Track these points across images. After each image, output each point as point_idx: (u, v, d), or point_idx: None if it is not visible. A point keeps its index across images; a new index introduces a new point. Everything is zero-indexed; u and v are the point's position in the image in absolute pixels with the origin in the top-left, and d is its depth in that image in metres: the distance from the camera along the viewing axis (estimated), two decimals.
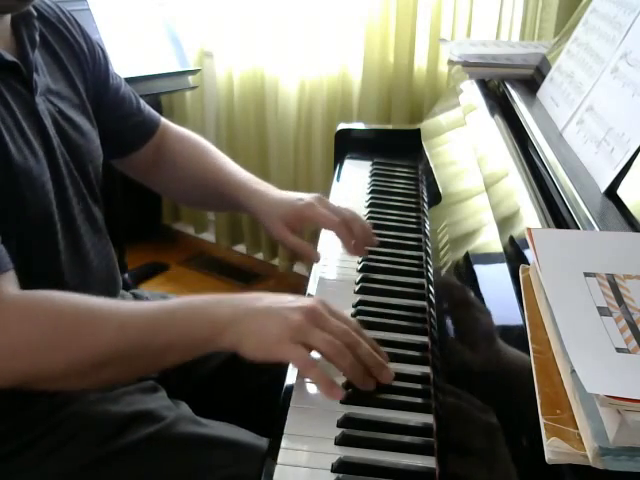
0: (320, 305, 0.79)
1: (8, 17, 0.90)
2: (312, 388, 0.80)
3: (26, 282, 0.79)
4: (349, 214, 1.05)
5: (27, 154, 0.85)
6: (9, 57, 0.87)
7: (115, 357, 0.77)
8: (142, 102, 1.15)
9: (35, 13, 0.94)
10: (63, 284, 0.88)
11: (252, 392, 1.01)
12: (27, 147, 0.86)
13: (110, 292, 0.99)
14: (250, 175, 1.13)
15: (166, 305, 0.81)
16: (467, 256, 0.85)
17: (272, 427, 0.74)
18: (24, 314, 0.76)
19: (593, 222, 0.69)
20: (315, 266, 1.05)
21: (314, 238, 1.15)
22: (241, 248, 2.75)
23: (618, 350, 0.46)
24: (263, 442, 0.81)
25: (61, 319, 0.77)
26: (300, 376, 0.79)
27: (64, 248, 0.90)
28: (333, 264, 1.07)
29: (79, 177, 0.95)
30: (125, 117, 1.10)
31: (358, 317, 0.93)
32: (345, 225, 1.02)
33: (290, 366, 0.83)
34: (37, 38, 0.93)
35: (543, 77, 1.15)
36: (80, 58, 1.02)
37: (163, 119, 1.18)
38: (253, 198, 1.08)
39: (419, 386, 0.80)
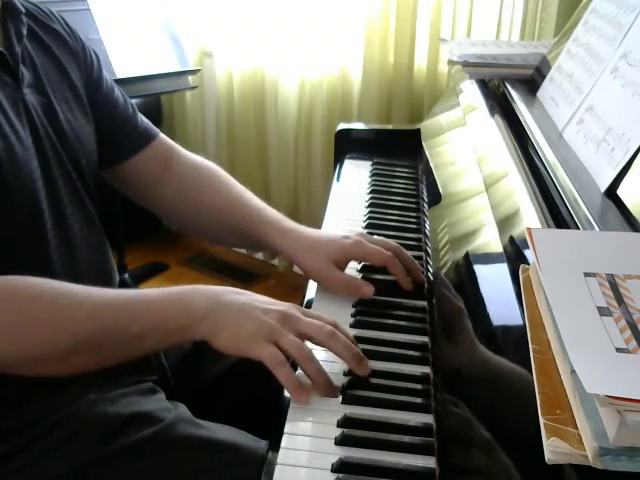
0: (293, 309, 0.81)
1: None
2: (313, 387, 0.80)
3: (10, 268, 0.80)
4: (395, 247, 1.01)
5: (13, 141, 0.86)
6: None
7: (90, 342, 0.79)
8: (139, 113, 1.13)
9: (23, 10, 0.95)
10: (51, 275, 0.88)
11: (251, 394, 1.01)
12: (13, 134, 0.86)
13: (103, 286, 0.99)
14: (277, 212, 1.08)
15: (142, 293, 0.83)
16: (467, 256, 0.85)
17: (272, 426, 0.75)
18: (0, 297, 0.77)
19: (593, 222, 0.69)
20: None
21: None
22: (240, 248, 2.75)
23: (618, 350, 0.46)
24: (262, 444, 0.81)
25: (36, 302, 0.78)
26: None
27: (53, 239, 0.90)
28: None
29: (71, 169, 0.95)
30: (118, 121, 1.08)
31: (358, 317, 0.93)
32: (397, 259, 0.99)
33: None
34: (24, 32, 0.94)
35: (543, 77, 1.15)
36: (74, 54, 1.02)
37: (171, 141, 1.14)
38: (287, 237, 1.02)
39: (419, 386, 0.80)
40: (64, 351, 0.79)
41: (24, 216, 0.87)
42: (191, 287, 0.84)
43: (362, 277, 1.01)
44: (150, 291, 0.83)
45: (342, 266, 0.99)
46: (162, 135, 1.14)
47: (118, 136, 1.08)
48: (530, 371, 0.51)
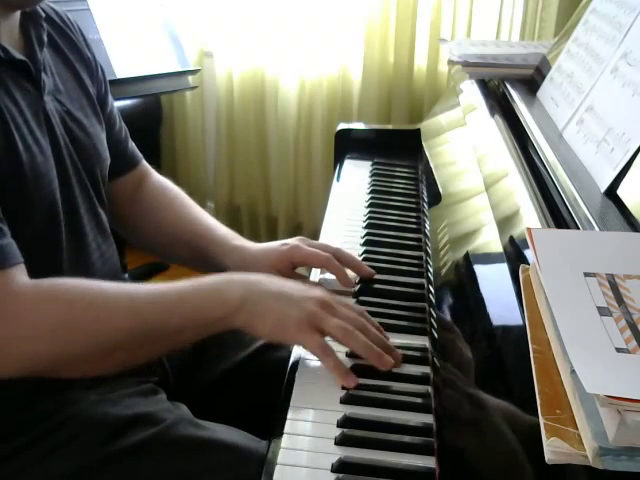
0: (328, 295, 0.84)
1: (17, 16, 0.90)
2: (312, 388, 0.80)
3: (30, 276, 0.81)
4: (334, 248, 1.02)
5: (35, 151, 0.86)
6: (18, 55, 0.87)
7: (131, 339, 0.80)
8: (129, 137, 1.13)
9: (43, 14, 0.94)
10: None
11: (251, 395, 1.01)
12: (35, 144, 0.86)
13: None
14: (228, 230, 1.09)
15: (177, 287, 0.84)
16: (467, 256, 0.85)
17: (272, 425, 0.75)
18: (38, 301, 0.78)
19: (593, 222, 0.69)
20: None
21: None
22: None
23: (618, 350, 0.46)
24: (262, 444, 0.81)
25: (75, 304, 0.80)
26: (320, 361, 0.82)
27: (67, 247, 0.91)
28: (328, 275, 1.06)
29: (86, 177, 0.95)
30: (111, 142, 1.06)
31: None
32: (335, 259, 1.00)
33: (290, 366, 0.83)
34: (45, 38, 0.93)
35: (543, 77, 1.15)
36: (87, 62, 1.03)
37: (147, 164, 1.16)
38: (233, 254, 1.04)
39: (419, 386, 0.80)
40: (106, 349, 0.80)
41: (42, 225, 0.87)
42: (224, 276, 0.86)
43: (360, 282, 1.01)
44: (184, 284, 0.84)
45: (286, 272, 1.00)
46: (143, 160, 1.16)
47: (111, 155, 1.05)
48: (530, 371, 0.51)
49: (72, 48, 1.01)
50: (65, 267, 0.90)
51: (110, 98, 1.09)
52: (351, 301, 0.95)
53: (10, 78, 0.86)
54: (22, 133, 0.85)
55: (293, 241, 1.03)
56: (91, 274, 0.94)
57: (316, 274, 1.04)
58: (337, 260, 1.00)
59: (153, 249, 1.20)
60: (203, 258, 1.08)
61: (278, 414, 0.76)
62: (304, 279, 1.00)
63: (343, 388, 0.79)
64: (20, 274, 0.79)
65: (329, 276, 1.02)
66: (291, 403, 0.77)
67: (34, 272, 0.84)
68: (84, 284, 0.83)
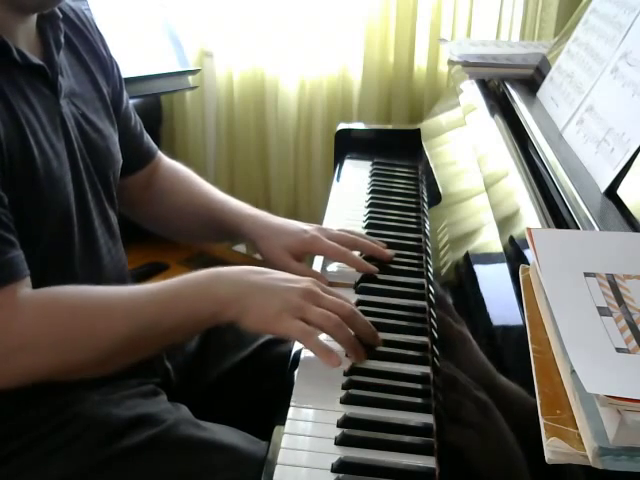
0: (315, 285, 0.84)
1: (34, 18, 0.90)
2: (312, 388, 0.80)
3: (40, 282, 0.82)
4: (353, 237, 1.05)
5: (50, 156, 0.86)
6: (35, 60, 0.87)
7: (128, 342, 0.82)
8: (144, 131, 1.15)
9: (60, 15, 0.94)
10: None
11: (252, 396, 1.01)
12: (50, 149, 0.86)
13: None
14: (241, 202, 1.12)
15: (168, 287, 0.85)
16: (467, 256, 0.85)
17: (272, 425, 0.75)
18: (40, 313, 0.80)
19: (593, 222, 0.69)
20: (314, 266, 1.05)
21: None
22: (241, 248, 2.74)
23: (618, 350, 0.46)
24: (262, 445, 0.81)
25: (77, 314, 0.82)
26: (303, 347, 0.85)
27: (79, 250, 0.91)
28: (332, 264, 1.06)
29: (98, 181, 0.96)
30: (127, 138, 1.08)
31: None
32: (352, 252, 1.03)
33: (290, 365, 0.83)
34: (62, 40, 0.93)
35: (543, 77, 1.15)
36: (102, 62, 1.02)
37: (159, 152, 1.18)
38: (250, 222, 1.07)
39: (419, 386, 0.80)
40: (105, 354, 0.82)
41: (56, 229, 0.87)
42: (212, 273, 0.86)
43: (362, 277, 1.01)
44: (176, 283, 0.85)
45: (299, 257, 1.03)
46: (159, 151, 1.18)
47: (127, 150, 1.07)
48: (530, 371, 0.51)
49: (88, 47, 1.00)
50: (77, 270, 0.91)
51: (125, 95, 1.09)
52: (350, 293, 0.96)
53: (27, 83, 0.86)
54: (38, 138, 0.85)
55: (313, 230, 1.04)
56: (102, 277, 0.95)
57: (318, 262, 1.06)
58: (358, 248, 1.03)
59: (170, 231, 1.24)
60: (220, 231, 1.12)
61: (281, 404, 0.77)
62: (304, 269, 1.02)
63: (344, 388, 0.79)
64: (23, 287, 0.80)
65: (332, 268, 1.04)
66: (291, 403, 0.77)
67: (48, 276, 0.84)
68: (81, 293, 0.84)
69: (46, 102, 0.88)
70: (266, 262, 1.05)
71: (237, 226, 1.08)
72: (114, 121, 1.02)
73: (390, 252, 1.05)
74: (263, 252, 1.06)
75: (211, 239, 1.19)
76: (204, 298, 0.83)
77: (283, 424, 0.74)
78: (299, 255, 1.03)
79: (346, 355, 0.83)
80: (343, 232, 1.06)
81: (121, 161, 1.02)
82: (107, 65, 1.03)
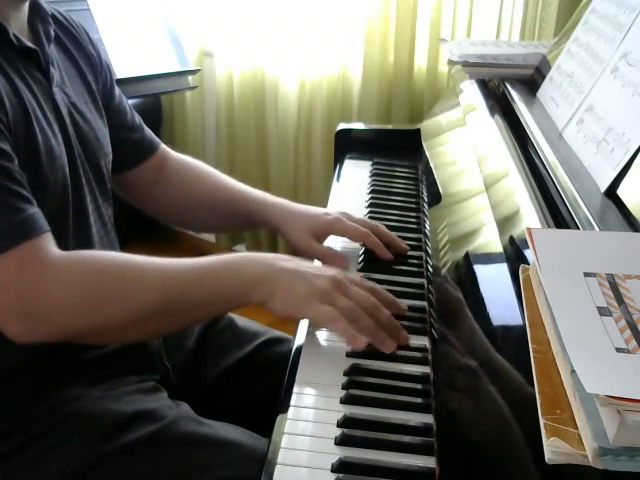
0: (342, 275, 0.86)
1: (26, 9, 0.92)
2: (313, 387, 0.80)
3: None
4: (374, 224, 1.08)
5: (49, 134, 0.88)
6: (29, 44, 0.89)
7: (156, 311, 0.82)
8: (144, 125, 1.16)
9: (50, 12, 0.97)
10: None
11: (253, 393, 1.02)
12: (48, 127, 0.88)
13: None
14: (260, 191, 1.15)
15: (198, 263, 0.86)
16: (467, 256, 0.85)
17: (273, 421, 0.75)
18: (71, 272, 0.81)
19: (593, 222, 0.69)
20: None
21: None
22: (241, 248, 2.75)
23: (618, 350, 0.46)
24: (263, 442, 0.81)
25: (106, 275, 0.82)
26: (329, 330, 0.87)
27: (72, 236, 0.92)
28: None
29: (89, 170, 0.97)
30: (125, 132, 1.10)
31: None
32: (373, 235, 1.05)
33: (289, 365, 0.83)
34: (52, 33, 0.95)
35: (543, 77, 1.15)
36: (91, 60, 1.05)
37: (163, 144, 1.19)
38: (274, 210, 1.10)
39: (419, 386, 0.80)
40: (132, 321, 0.82)
41: (53, 210, 0.88)
42: (243, 255, 0.89)
43: (362, 276, 1.01)
44: (205, 260, 0.86)
45: (321, 239, 1.07)
46: (162, 144, 1.18)
47: (124, 147, 1.09)
48: (530, 371, 0.51)
49: (77, 46, 1.03)
50: None
51: (117, 91, 1.11)
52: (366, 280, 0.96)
53: (22, 67, 0.88)
54: (37, 115, 0.87)
55: (335, 213, 1.08)
56: None
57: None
58: (377, 234, 1.05)
59: (187, 223, 1.27)
60: (242, 219, 1.14)
61: (283, 396, 0.77)
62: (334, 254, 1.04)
63: (344, 388, 0.79)
64: (49, 242, 0.81)
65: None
66: (291, 403, 0.77)
67: None
68: (114, 258, 0.85)
69: (41, 87, 0.90)
70: (290, 245, 1.09)
71: (261, 214, 1.11)
72: (103, 115, 1.04)
73: (405, 246, 1.08)
74: (287, 236, 1.09)
75: (229, 228, 1.21)
76: (233, 276, 0.85)
77: (286, 411, 0.75)
78: (321, 236, 1.06)
79: (346, 355, 0.84)
80: (364, 219, 1.10)
81: (111, 154, 1.03)
82: (96, 63, 1.05)
